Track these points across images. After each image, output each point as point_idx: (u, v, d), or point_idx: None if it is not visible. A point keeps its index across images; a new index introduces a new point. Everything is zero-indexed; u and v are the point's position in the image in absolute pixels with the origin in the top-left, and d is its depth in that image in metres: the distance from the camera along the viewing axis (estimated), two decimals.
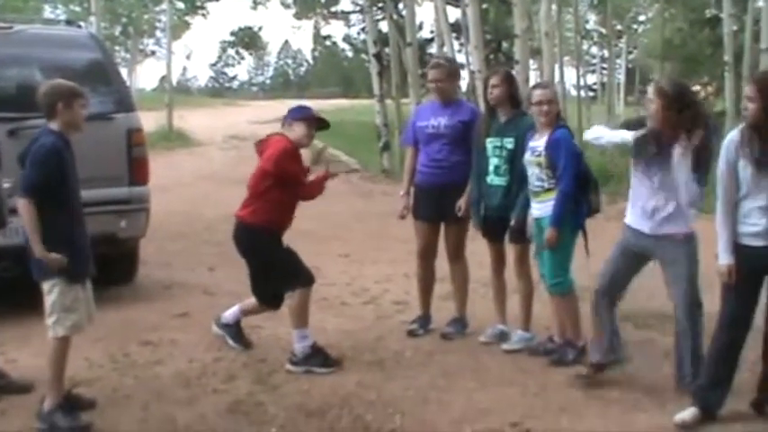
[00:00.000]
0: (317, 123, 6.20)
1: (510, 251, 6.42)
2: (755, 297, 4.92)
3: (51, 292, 4.94)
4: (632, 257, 5.41)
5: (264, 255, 6.08)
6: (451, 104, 6.60)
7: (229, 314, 6.42)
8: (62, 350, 4.97)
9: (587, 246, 5.95)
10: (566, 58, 34.04)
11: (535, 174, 5.92)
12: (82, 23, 13.31)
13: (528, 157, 5.98)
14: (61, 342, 4.96)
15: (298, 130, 6.06)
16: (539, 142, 5.91)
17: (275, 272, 6.08)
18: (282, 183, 5.93)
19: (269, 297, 6.27)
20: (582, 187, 5.84)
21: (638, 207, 5.34)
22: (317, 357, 5.91)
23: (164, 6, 34.06)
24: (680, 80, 5.38)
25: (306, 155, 6.20)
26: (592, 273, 5.71)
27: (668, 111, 5.05)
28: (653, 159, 5.17)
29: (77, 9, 30.52)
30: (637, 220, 5.34)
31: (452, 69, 6.79)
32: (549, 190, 5.85)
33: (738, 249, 4.86)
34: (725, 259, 4.85)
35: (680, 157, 5.06)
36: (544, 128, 5.93)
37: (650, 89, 5.23)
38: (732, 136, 4.85)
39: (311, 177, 6.15)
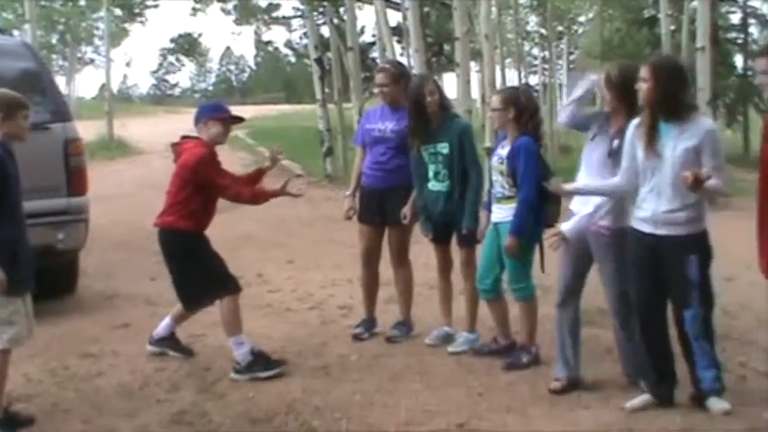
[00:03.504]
0: (233, 122, 6.20)
1: (457, 254, 6.43)
2: (656, 283, 4.97)
3: None
4: (577, 257, 5.44)
5: (188, 259, 6.03)
6: (400, 109, 6.54)
7: (162, 328, 6.35)
8: (2, 364, 4.87)
9: (543, 261, 5.91)
10: (507, 60, 34.24)
11: (498, 180, 5.91)
12: (16, 32, 13.12)
13: (494, 162, 5.98)
14: (1, 356, 4.86)
15: (213, 130, 6.04)
16: (504, 149, 5.89)
17: (198, 277, 6.01)
18: (203, 188, 5.94)
19: (193, 302, 6.20)
20: (540, 197, 5.70)
21: (577, 199, 5.41)
22: (260, 363, 5.86)
23: (101, 13, 33.64)
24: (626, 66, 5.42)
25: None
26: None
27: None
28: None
29: (10, 17, 30.02)
30: (577, 205, 5.41)
31: (398, 73, 6.69)
32: (509, 197, 5.84)
33: (631, 233, 5.01)
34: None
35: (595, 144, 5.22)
36: (511, 135, 5.89)
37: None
38: (635, 121, 4.96)
39: (266, 187, 6.28)
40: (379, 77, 6.71)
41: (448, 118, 6.36)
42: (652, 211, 4.90)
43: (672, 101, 4.81)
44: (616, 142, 5.15)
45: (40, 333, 5.92)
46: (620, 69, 5.27)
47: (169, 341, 6.33)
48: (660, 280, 4.96)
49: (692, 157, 4.76)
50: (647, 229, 4.94)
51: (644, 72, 4.86)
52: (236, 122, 6.28)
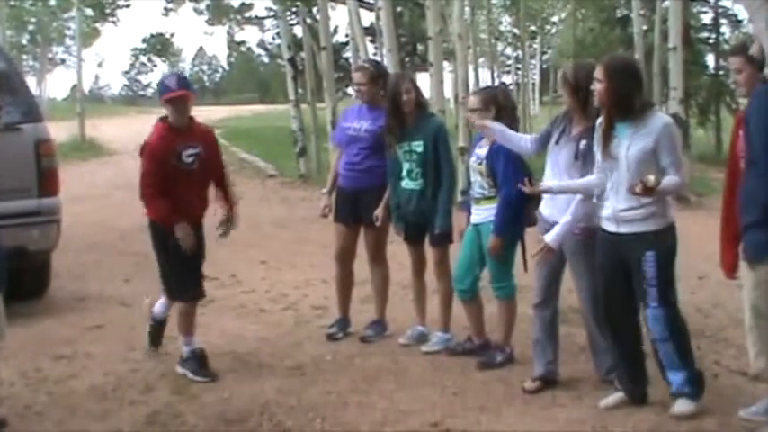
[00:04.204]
0: (181, 100, 5.73)
1: (430, 253, 6.44)
2: (623, 282, 4.97)
3: None
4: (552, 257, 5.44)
5: (158, 251, 5.98)
6: (377, 109, 6.54)
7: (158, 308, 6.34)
8: None
9: (526, 260, 5.92)
10: (480, 60, 34.37)
11: (477, 181, 5.91)
12: None
13: (472, 163, 5.99)
14: None
15: (168, 113, 5.84)
16: (483, 150, 5.89)
17: (165, 270, 6.00)
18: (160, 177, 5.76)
19: (167, 293, 6.15)
20: (521, 197, 5.63)
21: (545, 203, 5.44)
22: (192, 363, 5.86)
23: (72, 13, 33.42)
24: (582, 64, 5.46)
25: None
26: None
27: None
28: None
29: None
30: (546, 208, 5.43)
31: (376, 73, 6.68)
32: (489, 198, 5.84)
33: (599, 233, 5.04)
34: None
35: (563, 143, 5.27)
36: (488, 136, 5.87)
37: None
38: (599, 120, 4.99)
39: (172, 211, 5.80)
40: (356, 76, 6.72)
41: (424, 117, 6.38)
42: (612, 209, 4.92)
43: (626, 100, 4.81)
44: (584, 143, 5.17)
45: (12, 335, 5.87)
46: (575, 70, 5.30)
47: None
48: (628, 279, 4.96)
49: (647, 156, 4.78)
50: (610, 227, 4.96)
51: (597, 73, 4.87)
52: (183, 99, 5.75)
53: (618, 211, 4.89)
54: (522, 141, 5.54)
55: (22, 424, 5.08)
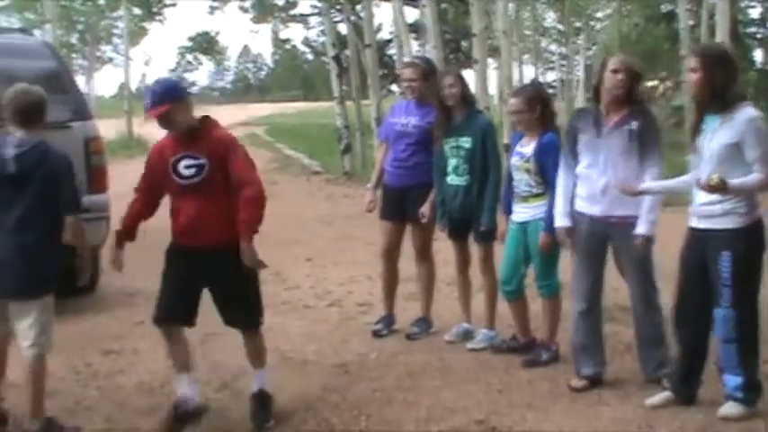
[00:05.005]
0: (160, 117, 4.97)
1: (475, 250, 6.43)
2: (698, 278, 4.88)
3: (46, 309, 4.88)
4: (592, 259, 5.41)
5: None
6: (426, 105, 6.56)
7: None
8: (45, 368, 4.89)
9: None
10: (525, 56, 34.22)
11: (524, 179, 5.88)
12: (36, 31, 13.21)
13: (515, 161, 5.95)
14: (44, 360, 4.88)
15: None
16: (527, 148, 5.87)
17: None
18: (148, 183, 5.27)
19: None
20: None
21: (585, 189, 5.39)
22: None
23: (120, 12, 33.79)
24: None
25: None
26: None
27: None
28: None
29: (32, 17, 30.18)
30: (586, 203, 5.38)
31: (427, 70, 6.72)
32: (537, 195, 5.81)
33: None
34: None
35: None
36: (531, 133, 5.89)
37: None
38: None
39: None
40: (407, 72, 6.74)
41: (472, 113, 6.38)
42: (694, 204, 4.84)
43: (721, 92, 4.68)
44: (634, 124, 5.14)
45: (63, 330, 5.95)
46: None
47: None
48: (706, 275, 4.83)
49: (729, 151, 4.66)
50: (693, 222, 4.89)
51: (692, 62, 4.76)
52: (159, 117, 4.99)
53: (698, 206, 4.81)
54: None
55: (72, 419, 5.13)
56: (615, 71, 5.16)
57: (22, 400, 4.92)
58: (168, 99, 4.94)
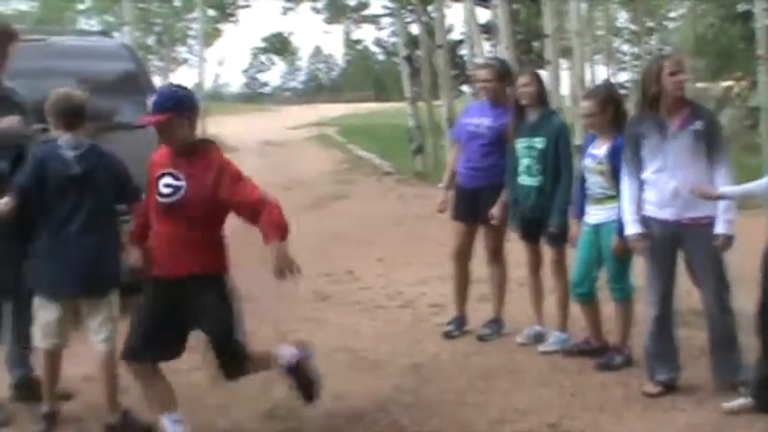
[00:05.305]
0: (160, 125, 4.64)
1: (547, 252, 6.40)
2: None
3: (115, 305, 5.00)
4: (664, 263, 5.35)
5: None
6: (500, 106, 6.57)
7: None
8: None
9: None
10: (596, 57, 33.85)
11: (597, 181, 5.84)
12: (115, 33, 13.45)
13: (588, 163, 5.91)
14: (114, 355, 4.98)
15: None
16: (600, 150, 5.83)
17: None
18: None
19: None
20: None
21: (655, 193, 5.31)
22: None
23: (196, 14, 34.24)
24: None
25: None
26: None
27: None
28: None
29: (111, 19, 30.76)
30: (656, 208, 5.31)
31: (502, 70, 6.74)
32: (611, 197, 5.76)
33: None
34: None
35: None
36: (603, 135, 5.84)
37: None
38: None
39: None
40: (482, 73, 6.75)
41: (547, 113, 6.36)
42: None
43: None
44: (698, 123, 5.10)
45: None
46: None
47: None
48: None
49: None
50: None
51: None
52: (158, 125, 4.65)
53: None
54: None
55: (145, 415, 5.21)
56: (674, 73, 5.12)
57: (95, 394, 5.05)
58: (172, 108, 4.60)
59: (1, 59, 5.17)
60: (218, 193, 4.58)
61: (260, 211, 4.57)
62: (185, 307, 4.67)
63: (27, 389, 5.36)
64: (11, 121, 5.14)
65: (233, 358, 4.79)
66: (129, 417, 5.03)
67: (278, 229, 4.55)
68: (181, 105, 4.63)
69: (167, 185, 4.63)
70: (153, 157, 4.79)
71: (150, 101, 4.95)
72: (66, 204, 4.87)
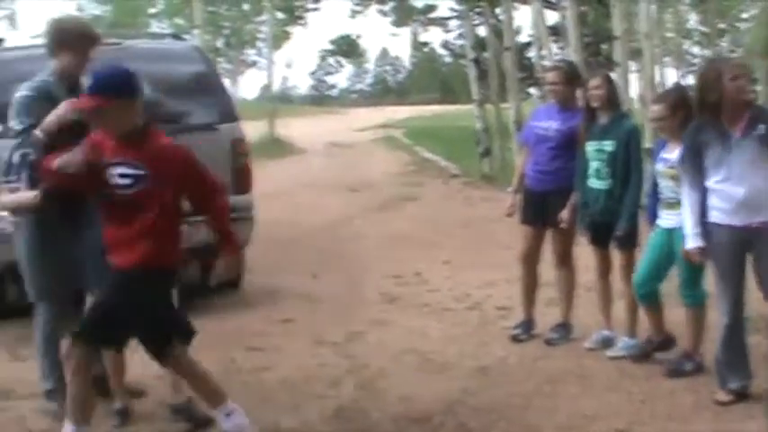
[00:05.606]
0: (94, 109, 4.41)
1: (616, 256, 6.35)
2: None
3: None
4: (734, 268, 5.26)
5: None
6: (568, 109, 6.55)
7: None
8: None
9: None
10: (666, 59, 33.42)
11: (669, 186, 5.75)
12: (187, 36, 13.63)
13: (660, 168, 5.83)
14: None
15: None
16: (672, 154, 5.71)
17: None
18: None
19: None
20: None
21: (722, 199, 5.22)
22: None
23: (264, 17, 34.60)
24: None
25: None
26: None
27: None
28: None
29: (181, 22, 31.21)
30: (723, 215, 5.21)
31: (571, 73, 6.72)
32: None
33: None
34: None
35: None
36: (674, 139, 5.73)
37: None
38: None
39: None
40: (550, 76, 6.73)
41: (618, 116, 6.31)
42: None
43: None
44: (762, 127, 4.99)
45: (209, 327, 6.15)
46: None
47: None
48: None
49: None
50: None
51: None
52: (95, 110, 4.43)
53: None
54: None
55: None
56: (735, 78, 5.01)
57: (167, 392, 5.16)
58: (112, 91, 4.32)
59: (83, 62, 5.27)
60: (179, 181, 4.42)
61: (213, 197, 4.57)
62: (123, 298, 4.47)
63: (101, 386, 5.46)
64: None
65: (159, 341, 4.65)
66: (191, 406, 5.14)
67: (227, 225, 4.63)
68: (121, 88, 4.35)
69: (124, 176, 4.35)
70: (99, 141, 4.44)
71: (86, 82, 4.69)
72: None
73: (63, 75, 5.22)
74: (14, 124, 5.03)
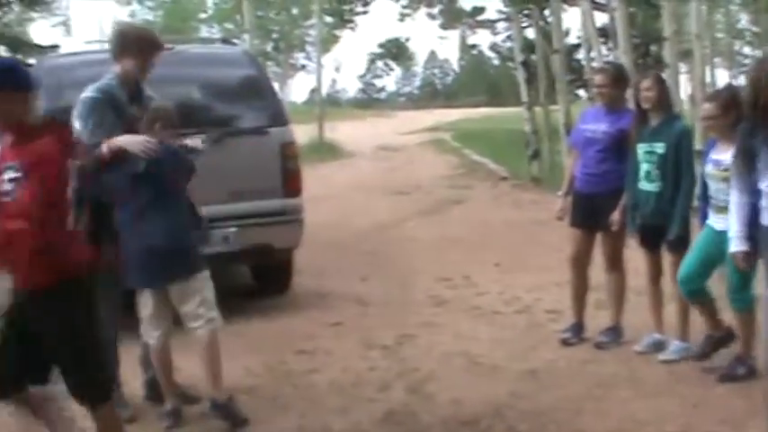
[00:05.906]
0: None
1: (667, 259, 6.29)
2: None
3: (207, 284, 5.14)
4: None
5: None
6: (616, 111, 6.53)
7: None
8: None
9: None
10: (717, 60, 33.05)
11: (721, 189, 5.66)
12: (236, 41, 13.75)
13: (710, 170, 5.76)
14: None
15: None
16: (723, 155, 5.62)
17: None
18: None
19: None
20: None
21: None
22: None
23: (313, 21, 34.76)
24: None
25: None
26: None
27: None
28: None
29: (231, 27, 31.50)
30: None
31: (619, 75, 6.70)
32: None
33: None
34: None
35: None
36: (725, 139, 5.66)
37: None
38: None
39: None
40: (598, 78, 6.70)
41: (669, 118, 6.25)
42: None
43: None
44: None
45: (259, 328, 6.23)
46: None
47: None
48: None
49: None
50: None
51: None
52: None
53: None
54: None
55: (268, 414, 5.34)
56: None
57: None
58: (12, 83, 3.87)
59: (146, 69, 5.36)
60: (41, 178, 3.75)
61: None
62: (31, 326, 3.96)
63: (152, 390, 5.53)
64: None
65: (88, 384, 4.05)
66: (232, 403, 5.18)
67: None
68: (8, 80, 3.86)
69: (11, 180, 3.78)
70: None
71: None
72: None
73: (125, 80, 5.32)
74: (79, 125, 5.11)
